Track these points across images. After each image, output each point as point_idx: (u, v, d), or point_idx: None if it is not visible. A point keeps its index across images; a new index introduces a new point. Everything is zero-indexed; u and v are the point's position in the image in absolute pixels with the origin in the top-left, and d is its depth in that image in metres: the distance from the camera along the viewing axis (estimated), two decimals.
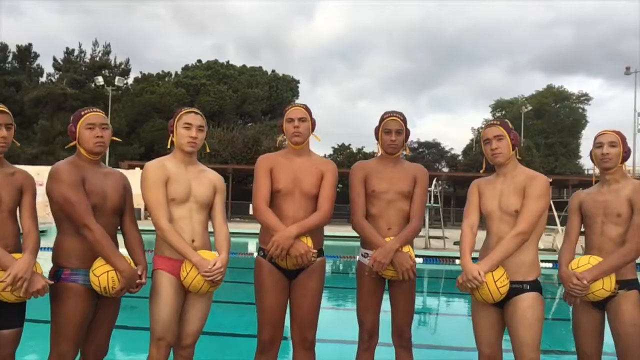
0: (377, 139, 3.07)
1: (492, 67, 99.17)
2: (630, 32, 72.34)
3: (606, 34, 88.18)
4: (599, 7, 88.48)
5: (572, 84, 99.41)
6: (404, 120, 3.04)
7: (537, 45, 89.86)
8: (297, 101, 52.76)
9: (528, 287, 2.63)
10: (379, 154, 3.10)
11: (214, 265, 2.65)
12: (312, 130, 3.02)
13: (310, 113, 3.00)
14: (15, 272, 2.28)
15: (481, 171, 3.02)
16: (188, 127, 2.82)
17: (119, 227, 2.76)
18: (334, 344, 4.39)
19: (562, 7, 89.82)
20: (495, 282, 2.57)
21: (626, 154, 2.77)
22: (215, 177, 2.94)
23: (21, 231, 2.54)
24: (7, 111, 2.52)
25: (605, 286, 2.60)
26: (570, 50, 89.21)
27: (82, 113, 2.68)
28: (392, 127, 3.00)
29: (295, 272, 2.88)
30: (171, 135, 2.88)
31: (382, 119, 3.03)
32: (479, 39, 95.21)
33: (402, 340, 2.99)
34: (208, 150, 3.10)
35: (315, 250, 2.81)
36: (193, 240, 2.76)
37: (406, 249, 2.83)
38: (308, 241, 2.79)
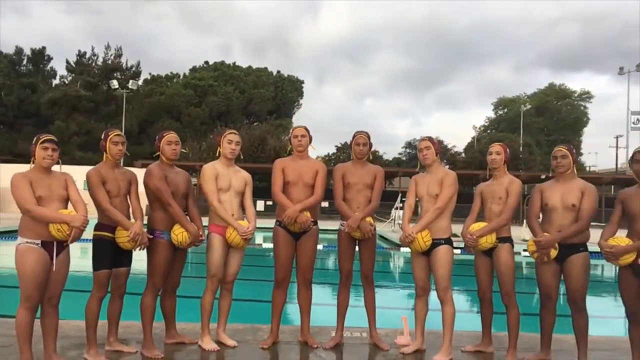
0: (351, 149, 4.61)
1: (498, 65, 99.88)
2: (637, 29, 72.92)
3: (613, 31, 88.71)
4: (606, 4, 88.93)
5: (579, 81, 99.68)
6: (369, 137, 4.58)
7: (543, 42, 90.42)
8: (301, 101, 54.29)
9: (443, 242, 4.19)
10: (353, 158, 4.63)
11: (247, 229, 4.23)
12: (310, 142, 4.57)
13: (308, 131, 4.56)
14: (135, 230, 3.87)
15: (417, 169, 4.58)
16: (230, 142, 4.39)
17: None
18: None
19: (568, 4, 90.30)
20: (422, 238, 4.13)
21: (507, 158, 4.32)
22: (246, 174, 4.50)
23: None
24: (121, 133, 4.09)
25: (488, 240, 4.15)
26: (576, 47, 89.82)
27: (164, 134, 4.27)
28: (360, 141, 4.54)
29: (299, 235, 4.42)
30: (218, 147, 4.44)
31: (354, 136, 4.58)
32: (485, 37, 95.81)
33: (367, 280, 4.55)
34: (242, 157, 4.63)
35: (312, 220, 4.38)
36: (232, 214, 4.32)
37: (368, 219, 4.40)
38: (308, 214, 4.34)
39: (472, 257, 4.44)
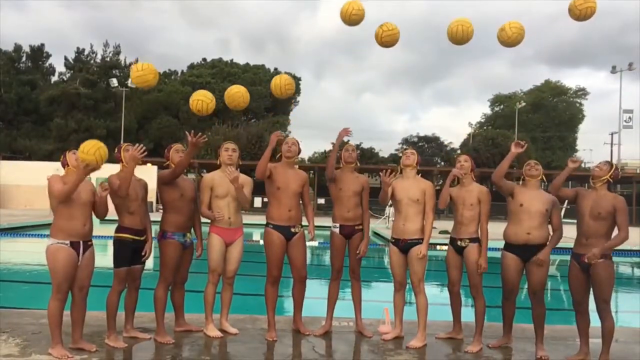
0: (341, 157, 5.17)
1: (497, 61, 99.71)
2: (637, 25, 73.01)
3: (611, 28, 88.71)
4: (605, 1, 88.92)
5: (576, 78, 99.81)
6: (355, 147, 5.18)
7: (542, 38, 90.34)
8: (298, 98, 54.78)
9: (421, 241, 4.76)
10: (342, 165, 5.19)
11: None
12: (299, 153, 5.12)
13: (298, 143, 5.11)
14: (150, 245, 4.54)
15: (398, 173, 5.14)
16: (227, 149, 4.95)
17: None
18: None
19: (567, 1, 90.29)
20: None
21: (474, 166, 4.91)
22: (244, 179, 5.03)
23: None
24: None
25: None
26: (574, 43, 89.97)
27: (172, 145, 4.84)
28: (349, 147, 5.14)
29: (290, 236, 4.97)
30: (219, 156, 4.99)
31: (343, 145, 5.16)
32: (484, 32, 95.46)
33: (354, 275, 5.14)
34: (240, 163, 5.15)
35: (300, 224, 4.96)
36: (229, 218, 4.88)
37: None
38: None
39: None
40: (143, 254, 4.58)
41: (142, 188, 4.66)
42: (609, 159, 4.39)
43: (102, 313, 4.66)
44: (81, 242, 4.16)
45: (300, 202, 5.12)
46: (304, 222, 5.06)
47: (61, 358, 4.02)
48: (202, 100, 4.80)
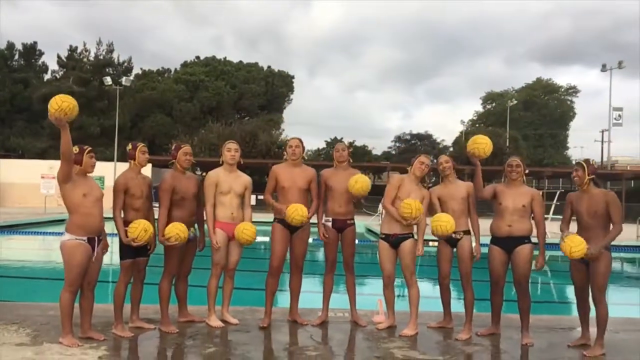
0: (333, 157, 5.40)
1: (490, 59, 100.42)
2: (628, 23, 73.84)
3: (604, 26, 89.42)
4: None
5: (568, 75, 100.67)
6: (346, 146, 5.41)
7: (534, 36, 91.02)
8: (292, 96, 54.98)
9: (411, 236, 5.01)
10: (335, 165, 5.40)
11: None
12: (303, 152, 5.35)
13: (302, 142, 5.33)
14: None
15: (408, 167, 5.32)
16: (229, 150, 5.16)
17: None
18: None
19: None
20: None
21: (455, 165, 5.17)
22: (246, 179, 5.25)
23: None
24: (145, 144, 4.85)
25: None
26: (567, 41, 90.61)
27: (181, 146, 5.03)
28: (339, 147, 5.37)
29: (294, 229, 5.18)
30: (221, 155, 5.20)
31: (334, 146, 5.38)
32: (477, 30, 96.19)
33: (348, 267, 5.38)
34: (242, 163, 5.36)
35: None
36: (232, 213, 5.09)
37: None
38: (305, 211, 5.05)
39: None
40: (148, 247, 4.78)
41: (147, 185, 4.87)
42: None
43: (106, 305, 4.87)
44: (96, 238, 4.38)
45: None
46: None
47: (72, 346, 4.23)
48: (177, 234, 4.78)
